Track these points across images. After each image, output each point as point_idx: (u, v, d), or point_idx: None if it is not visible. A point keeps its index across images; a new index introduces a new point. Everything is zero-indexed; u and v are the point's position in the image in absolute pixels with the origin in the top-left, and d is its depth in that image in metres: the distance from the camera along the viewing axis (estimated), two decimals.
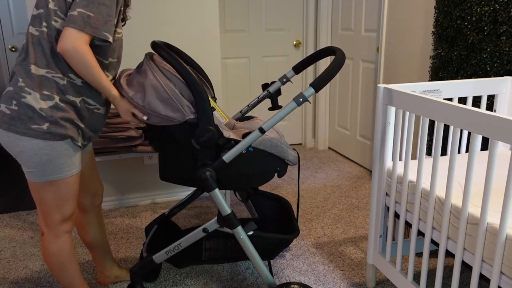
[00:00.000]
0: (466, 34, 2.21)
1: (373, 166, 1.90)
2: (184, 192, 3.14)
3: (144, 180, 3.02)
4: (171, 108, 1.56)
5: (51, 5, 1.44)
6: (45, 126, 1.46)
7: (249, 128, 1.96)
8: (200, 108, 1.57)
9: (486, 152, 2.01)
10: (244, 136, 1.67)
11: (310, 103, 2.40)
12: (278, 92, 2.09)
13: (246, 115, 2.17)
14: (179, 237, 1.82)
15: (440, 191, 1.58)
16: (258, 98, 2.11)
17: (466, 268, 2.11)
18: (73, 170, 1.58)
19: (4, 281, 2.16)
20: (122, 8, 1.58)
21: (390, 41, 3.08)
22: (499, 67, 2.08)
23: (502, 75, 2.09)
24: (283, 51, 4.08)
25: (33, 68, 1.46)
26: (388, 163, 1.85)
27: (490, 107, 2.15)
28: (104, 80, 1.50)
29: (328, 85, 4.12)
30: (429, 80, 2.65)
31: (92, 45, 1.49)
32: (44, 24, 1.46)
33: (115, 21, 1.52)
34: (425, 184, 1.66)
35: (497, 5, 2.04)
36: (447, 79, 2.37)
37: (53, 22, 1.45)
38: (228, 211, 1.69)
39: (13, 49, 4.34)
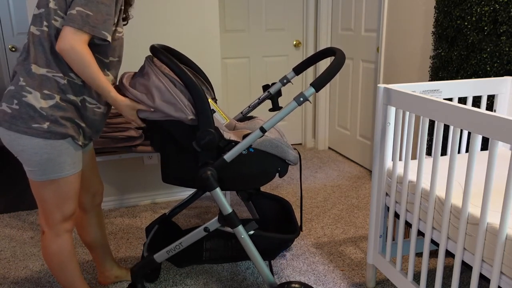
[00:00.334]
0: (466, 34, 2.21)
1: (373, 166, 1.90)
2: (184, 192, 3.14)
3: (144, 180, 3.02)
4: (174, 108, 1.57)
5: (52, 4, 1.44)
6: (45, 125, 1.46)
7: (250, 128, 1.96)
8: (200, 110, 1.58)
9: (486, 152, 2.01)
10: (245, 137, 1.68)
11: (310, 102, 2.41)
12: (278, 93, 2.09)
13: (247, 115, 2.18)
14: (180, 237, 1.82)
15: (440, 191, 1.58)
16: (258, 99, 2.11)
17: (466, 268, 2.11)
18: (74, 169, 1.58)
19: (4, 281, 2.16)
20: (123, 7, 1.58)
21: (390, 41, 3.09)
22: (499, 67, 2.08)
23: (502, 75, 2.09)
24: (283, 51, 4.08)
25: (34, 68, 1.47)
26: (388, 163, 1.85)
27: (490, 107, 2.15)
28: (103, 81, 1.49)
29: (328, 85, 4.12)
30: (429, 80, 2.65)
31: (92, 44, 1.49)
32: (45, 23, 1.46)
33: (115, 20, 1.52)
34: (425, 184, 1.66)
35: (497, 5, 2.04)
36: (447, 79, 2.37)
37: (53, 22, 1.45)
38: (229, 210, 1.69)
39: (13, 49, 4.34)
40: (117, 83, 1.73)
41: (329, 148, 4.28)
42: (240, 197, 2.28)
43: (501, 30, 2.04)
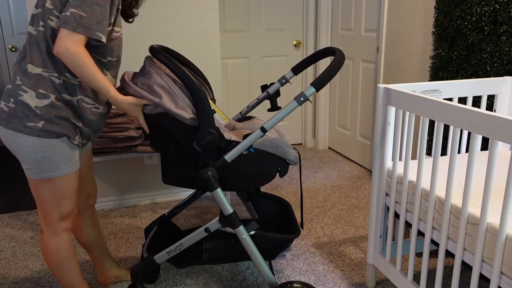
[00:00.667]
0: (466, 34, 2.21)
1: (373, 166, 1.90)
2: (184, 192, 3.14)
3: (144, 180, 3.02)
4: (175, 105, 1.58)
5: (48, 4, 1.45)
6: (40, 124, 1.47)
7: (249, 129, 1.96)
8: (201, 110, 1.58)
9: (486, 152, 2.01)
10: (245, 137, 1.68)
11: (311, 102, 2.40)
12: (277, 93, 2.09)
13: (246, 115, 2.18)
14: (179, 238, 1.82)
15: (440, 191, 1.58)
16: (257, 99, 2.11)
17: (466, 268, 2.11)
18: (70, 168, 1.58)
19: (4, 281, 2.16)
20: (120, 7, 1.58)
21: (390, 41, 3.08)
22: (499, 67, 2.08)
23: (502, 75, 2.09)
24: (283, 51, 4.08)
25: (30, 67, 1.48)
26: (388, 163, 1.85)
27: (490, 107, 2.15)
28: (102, 81, 1.48)
29: (328, 85, 4.12)
30: (429, 80, 2.65)
31: (89, 44, 1.49)
32: (41, 23, 1.47)
33: (112, 20, 1.51)
34: (425, 184, 1.66)
35: (497, 5, 2.04)
36: (447, 79, 2.37)
37: (49, 21, 1.46)
38: (230, 210, 1.69)
39: (13, 49, 4.34)
40: (118, 83, 1.72)
41: (329, 148, 4.28)
42: (240, 197, 2.28)
43: (501, 30, 2.04)
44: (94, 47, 1.51)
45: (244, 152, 1.67)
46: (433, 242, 1.62)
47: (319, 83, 1.55)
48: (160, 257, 1.83)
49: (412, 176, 1.73)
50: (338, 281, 2.12)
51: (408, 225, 1.77)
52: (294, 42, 4.07)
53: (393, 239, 2.23)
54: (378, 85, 1.80)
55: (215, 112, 1.79)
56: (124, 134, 2.49)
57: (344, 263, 2.27)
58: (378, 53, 3.28)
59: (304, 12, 4.00)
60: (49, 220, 1.62)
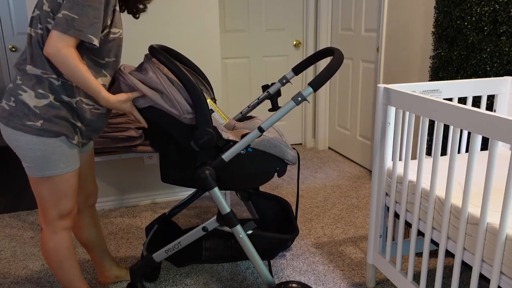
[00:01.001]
0: (466, 34, 2.21)
1: (373, 166, 1.90)
2: (184, 192, 3.14)
3: (144, 180, 3.02)
4: (169, 103, 1.59)
5: (45, 7, 1.46)
6: (39, 123, 1.49)
7: (249, 128, 1.96)
8: (198, 110, 1.58)
9: (486, 152, 2.01)
10: (244, 137, 1.68)
11: (308, 102, 2.41)
12: (278, 93, 2.09)
13: (246, 115, 2.18)
14: (179, 237, 1.82)
15: (440, 191, 1.58)
16: (258, 99, 2.11)
17: (466, 268, 2.11)
18: (69, 167, 1.59)
19: (4, 281, 2.16)
20: (117, 7, 1.57)
21: (390, 41, 3.09)
22: (499, 67, 2.08)
23: (502, 75, 2.09)
24: (283, 51, 4.08)
25: (29, 68, 1.50)
26: (388, 163, 1.85)
27: (490, 107, 2.15)
28: (92, 82, 1.49)
29: (328, 85, 4.12)
30: (429, 80, 2.65)
31: (85, 46, 1.49)
32: (40, 26, 1.48)
33: (109, 22, 1.51)
34: (425, 184, 1.66)
35: (497, 5, 2.04)
36: (447, 79, 2.37)
37: (46, 24, 1.47)
38: (228, 209, 1.70)
39: (13, 49, 4.34)
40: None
41: (329, 148, 4.28)
42: (239, 197, 2.28)
43: (501, 30, 2.04)
44: (90, 49, 1.52)
45: (242, 151, 1.67)
46: (433, 242, 1.62)
47: (316, 83, 1.55)
48: (159, 255, 1.83)
49: (412, 176, 1.73)
50: (338, 281, 2.12)
51: (408, 225, 1.77)
52: (294, 42, 4.07)
53: (393, 239, 2.23)
54: (378, 85, 1.80)
55: (214, 111, 1.79)
56: (124, 134, 2.49)
57: (344, 263, 2.27)
58: (378, 53, 3.28)
59: (304, 12, 4.00)
60: (49, 218, 1.63)
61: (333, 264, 2.26)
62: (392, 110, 1.78)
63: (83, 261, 2.32)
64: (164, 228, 2.11)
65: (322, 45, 3.99)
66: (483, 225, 1.34)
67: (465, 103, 2.21)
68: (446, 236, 1.52)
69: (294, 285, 1.76)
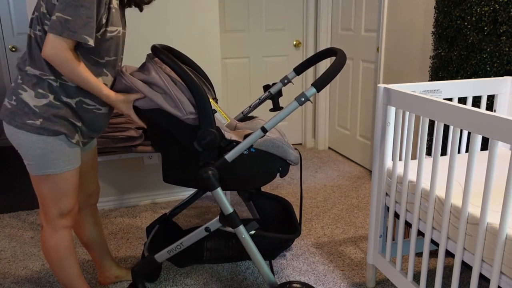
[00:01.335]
0: (466, 34, 2.21)
1: (373, 166, 1.90)
2: (185, 192, 3.14)
3: (144, 180, 3.02)
4: (173, 104, 1.59)
5: (43, 8, 1.46)
6: (38, 122, 1.50)
7: (250, 128, 1.96)
8: (201, 110, 1.58)
9: (486, 152, 2.01)
10: (246, 137, 1.68)
11: (312, 102, 2.41)
12: (279, 93, 2.09)
13: (248, 115, 2.18)
14: (180, 237, 1.82)
15: (440, 191, 1.58)
16: (259, 99, 2.11)
17: (466, 268, 2.11)
18: (69, 166, 1.60)
19: (4, 281, 2.16)
20: (113, 5, 1.56)
21: (390, 41, 3.09)
22: (499, 67, 2.08)
23: (502, 75, 2.09)
24: (283, 51, 4.08)
25: (29, 69, 1.52)
26: (388, 163, 1.85)
27: (490, 107, 2.15)
28: (93, 82, 1.51)
29: (328, 85, 4.12)
30: (429, 80, 2.65)
31: (83, 46, 1.49)
32: (38, 27, 1.49)
33: (104, 20, 1.51)
34: (425, 184, 1.66)
35: (497, 5, 2.04)
36: (447, 79, 2.37)
37: (44, 26, 1.47)
38: (230, 210, 1.70)
39: (13, 49, 4.34)
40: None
41: (329, 148, 4.28)
42: (241, 197, 2.28)
43: (501, 30, 2.04)
44: (88, 49, 1.52)
45: (245, 152, 1.67)
46: (433, 242, 1.62)
47: (320, 84, 1.55)
48: (161, 256, 1.83)
49: (412, 176, 1.73)
50: (338, 281, 2.12)
51: (408, 225, 1.77)
52: (294, 42, 4.07)
53: (393, 239, 2.23)
54: (378, 85, 1.80)
55: (216, 111, 1.79)
56: (124, 134, 2.49)
57: (344, 263, 2.27)
58: (378, 53, 3.28)
59: (304, 12, 4.00)
60: (49, 216, 1.64)
61: (333, 264, 2.27)
62: (392, 110, 1.78)
63: (83, 261, 2.32)
64: (165, 229, 2.11)
65: (322, 45, 3.99)
66: (483, 225, 1.34)
67: (465, 103, 2.21)
68: (446, 236, 1.52)
69: (296, 285, 1.76)
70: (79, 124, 1.59)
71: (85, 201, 1.88)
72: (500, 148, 2.07)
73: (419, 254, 2.27)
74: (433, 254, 2.30)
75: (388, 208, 1.89)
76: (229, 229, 1.75)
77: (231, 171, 1.70)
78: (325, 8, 3.90)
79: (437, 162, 1.53)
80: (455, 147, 1.45)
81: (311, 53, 4.07)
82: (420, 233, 1.69)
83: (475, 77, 2.19)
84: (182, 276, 2.17)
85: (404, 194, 1.73)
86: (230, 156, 1.64)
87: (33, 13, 1.51)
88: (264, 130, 1.61)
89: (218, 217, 1.74)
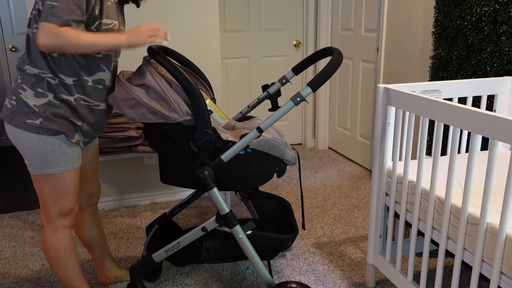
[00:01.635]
0: (466, 34, 2.21)
1: (373, 166, 1.90)
2: (184, 192, 3.14)
3: (144, 180, 3.02)
4: (168, 107, 1.59)
5: (38, 6, 1.47)
6: (38, 121, 1.51)
7: (248, 128, 1.96)
8: (197, 111, 1.59)
9: (486, 152, 2.01)
10: (243, 137, 1.68)
11: (307, 102, 2.41)
12: (278, 93, 2.09)
13: (246, 115, 2.18)
14: (180, 237, 1.82)
15: (440, 191, 1.58)
16: (258, 99, 2.11)
17: (466, 268, 2.11)
18: (69, 166, 1.60)
19: (4, 281, 2.16)
20: None
21: (390, 41, 3.09)
22: (499, 67, 2.08)
23: (502, 75, 2.09)
24: (283, 51, 4.08)
25: (28, 68, 1.52)
26: (388, 163, 1.85)
27: (490, 107, 2.15)
28: (101, 40, 1.44)
29: (328, 85, 4.12)
30: (429, 80, 2.65)
31: None
32: (35, 25, 1.49)
33: (97, 12, 1.49)
34: (425, 184, 1.66)
35: (497, 5, 2.04)
36: (447, 79, 2.37)
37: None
38: (227, 210, 1.70)
39: (13, 49, 4.34)
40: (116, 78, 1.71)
41: (329, 148, 4.28)
42: (239, 197, 2.28)
43: (501, 30, 2.04)
44: None
45: (241, 152, 1.67)
46: (433, 242, 1.62)
47: (315, 84, 1.55)
48: (158, 255, 1.83)
49: (412, 176, 1.73)
50: (338, 281, 2.12)
51: (408, 225, 1.77)
52: (294, 42, 4.07)
53: (393, 239, 2.23)
54: (378, 85, 1.80)
55: (213, 112, 1.79)
56: (124, 134, 2.49)
57: (344, 263, 2.27)
58: (378, 53, 3.28)
59: (304, 12, 4.00)
60: (49, 216, 1.65)
61: (333, 264, 2.26)
62: (392, 110, 1.78)
63: (83, 261, 2.32)
64: (164, 228, 2.11)
65: (322, 45, 3.99)
66: (483, 225, 1.34)
67: (465, 103, 2.21)
68: (446, 236, 1.52)
69: (293, 285, 1.76)
70: (79, 123, 1.60)
71: (86, 201, 1.89)
72: (500, 148, 2.07)
73: (419, 254, 2.27)
74: (433, 254, 2.30)
75: (388, 208, 1.89)
76: (226, 229, 1.75)
77: (228, 171, 1.70)
78: (325, 8, 3.89)
79: (437, 162, 1.53)
80: (455, 147, 1.45)
81: (311, 53, 4.07)
82: (420, 233, 1.69)
83: (475, 77, 2.19)
84: (182, 276, 2.17)
85: (404, 194, 1.73)
86: (226, 156, 1.65)
87: (31, 13, 1.52)
88: (260, 130, 1.61)
89: (214, 217, 1.74)
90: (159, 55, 1.58)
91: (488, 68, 2.12)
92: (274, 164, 1.74)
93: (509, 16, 2.01)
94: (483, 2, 2.09)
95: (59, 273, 1.73)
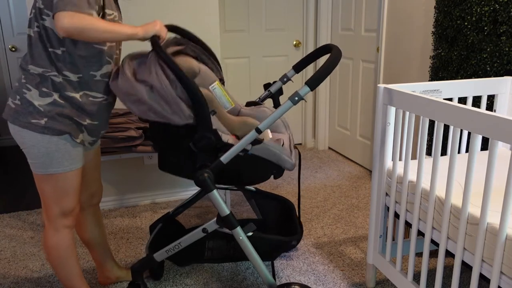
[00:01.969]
0: (466, 34, 2.21)
1: (373, 166, 1.90)
2: (185, 192, 3.14)
3: (144, 180, 3.02)
4: (170, 110, 1.55)
5: (39, 4, 1.47)
6: (43, 121, 1.51)
7: (254, 115, 1.95)
8: (198, 113, 1.56)
9: (486, 152, 2.01)
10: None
11: (306, 101, 2.41)
12: (279, 91, 2.09)
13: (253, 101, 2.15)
14: (182, 237, 1.82)
15: (440, 191, 1.58)
16: (259, 98, 2.11)
17: (466, 268, 2.11)
18: (72, 166, 1.61)
19: (4, 281, 2.16)
20: None
21: (390, 41, 3.09)
22: (499, 67, 2.08)
23: (502, 75, 2.09)
24: (283, 51, 4.08)
25: (31, 68, 1.52)
26: (388, 163, 1.85)
27: (490, 107, 2.15)
28: (119, 28, 1.44)
29: (328, 85, 4.12)
30: (429, 80, 2.65)
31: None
32: (36, 24, 1.49)
33: (101, 2, 1.50)
34: (425, 184, 1.66)
35: (497, 5, 2.04)
36: (447, 79, 2.37)
37: (42, 21, 1.47)
38: (227, 211, 1.69)
39: (13, 49, 4.34)
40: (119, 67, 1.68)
41: (329, 148, 4.28)
42: (244, 196, 2.28)
43: (501, 30, 2.04)
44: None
45: (241, 153, 1.67)
46: (433, 242, 1.62)
47: (313, 82, 1.54)
48: (159, 255, 1.83)
49: (412, 176, 1.73)
50: (338, 281, 2.12)
51: (408, 225, 1.77)
52: (294, 42, 4.07)
53: (393, 239, 2.23)
54: (378, 85, 1.80)
55: (215, 113, 1.78)
56: (124, 134, 2.49)
57: (344, 263, 2.27)
58: (378, 53, 3.28)
59: (304, 12, 4.00)
60: (51, 215, 1.65)
61: (333, 264, 2.26)
62: (392, 110, 1.78)
63: (83, 261, 2.32)
64: (168, 228, 2.11)
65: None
66: (483, 225, 1.34)
67: (465, 103, 2.21)
68: (446, 236, 1.52)
69: (296, 286, 1.76)
70: (85, 122, 1.60)
71: (87, 201, 1.89)
72: (500, 148, 2.07)
73: (419, 254, 2.27)
74: (433, 254, 2.30)
75: (388, 208, 1.89)
76: (227, 230, 1.75)
77: (227, 166, 1.70)
78: (325, 8, 3.89)
79: (437, 162, 1.53)
80: (455, 147, 1.45)
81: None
82: (420, 233, 1.69)
83: (475, 77, 2.19)
84: (182, 276, 2.17)
85: (404, 194, 1.73)
86: (225, 158, 1.64)
87: (30, 13, 1.52)
88: (258, 131, 1.60)
89: (215, 218, 1.74)
90: (164, 53, 1.53)
91: (488, 68, 2.12)
92: (272, 169, 1.75)
93: (509, 16, 2.01)
94: (483, 2, 2.09)
95: (59, 273, 1.73)
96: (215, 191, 1.67)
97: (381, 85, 1.79)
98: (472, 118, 1.36)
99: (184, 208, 2.12)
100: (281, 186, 3.32)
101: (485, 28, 2.11)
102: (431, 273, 2.14)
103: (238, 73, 4.00)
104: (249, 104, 2.06)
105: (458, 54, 2.27)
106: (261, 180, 1.76)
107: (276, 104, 2.10)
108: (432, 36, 2.66)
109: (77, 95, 1.55)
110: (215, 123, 1.67)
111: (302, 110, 4.28)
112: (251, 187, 2.25)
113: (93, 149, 1.83)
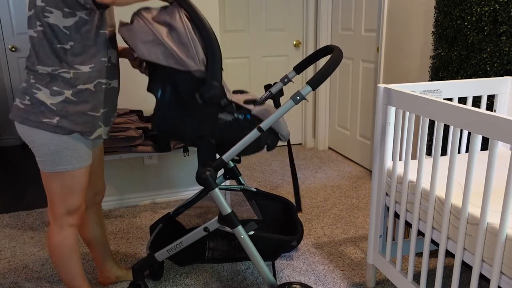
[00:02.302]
0: (466, 34, 2.21)
1: (373, 166, 1.90)
2: (185, 192, 3.14)
3: (144, 180, 3.02)
4: (187, 53, 1.54)
5: (38, 2, 1.45)
6: (55, 120, 1.51)
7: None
8: (211, 62, 1.55)
9: (486, 152, 2.01)
10: (246, 102, 1.66)
11: (307, 101, 2.41)
12: (280, 92, 2.09)
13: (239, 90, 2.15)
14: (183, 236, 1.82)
15: (440, 191, 1.58)
16: (260, 99, 2.11)
17: (466, 268, 2.12)
18: (81, 164, 1.61)
19: (4, 281, 2.16)
20: None
21: (390, 41, 3.09)
22: (499, 67, 2.08)
23: (502, 75, 2.09)
24: (283, 51, 4.08)
25: (39, 68, 1.51)
26: (388, 163, 1.85)
27: (490, 107, 2.15)
28: None
29: (328, 85, 4.12)
30: (429, 80, 2.65)
31: (82, 22, 1.48)
32: (38, 23, 1.47)
33: None
34: (425, 184, 1.66)
35: (497, 5, 2.04)
36: (447, 79, 2.37)
37: (45, 19, 1.46)
38: (229, 210, 1.70)
39: (13, 49, 4.34)
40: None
41: (329, 148, 4.28)
42: (245, 196, 2.28)
43: (501, 30, 2.04)
44: (100, 19, 1.52)
45: (240, 116, 1.66)
46: (433, 242, 1.62)
47: (315, 82, 1.54)
48: (160, 255, 1.83)
49: (412, 176, 1.73)
50: (338, 281, 2.12)
51: (408, 225, 1.77)
52: (294, 42, 4.07)
53: (393, 239, 2.23)
54: (378, 85, 1.80)
55: (223, 70, 1.77)
56: (124, 134, 2.49)
57: (344, 263, 2.27)
58: (378, 53, 3.28)
59: (304, 12, 4.00)
60: (56, 213, 1.65)
61: (333, 264, 2.27)
62: (392, 110, 1.78)
63: (83, 261, 2.32)
64: (168, 228, 2.12)
65: (322, 45, 3.99)
66: (483, 225, 1.34)
67: (465, 103, 2.21)
68: (446, 236, 1.52)
69: (297, 286, 1.76)
70: (99, 113, 1.61)
71: (91, 199, 1.89)
72: (500, 148, 2.07)
73: (419, 254, 2.27)
74: (433, 254, 2.30)
75: (388, 208, 1.89)
76: (228, 229, 1.75)
77: (222, 135, 1.69)
78: (325, 8, 3.90)
79: (437, 162, 1.53)
80: (455, 147, 1.45)
81: (311, 53, 4.06)
82: (420, 233, 1.69)
83: (475, 77, 2.19)
84: (182, 276, 2.18)
85: (404, 194, 1.73)
86: (227, 156, 1.65)
87: (28, 13, 1.50)
88: (261, 130, 1.61)
89: (216, 217, 1.74)
90: (187, 3, 1.53)
91: (488, 68, 2.12)
92: (267, 137, 1.73)
93: (509, 16, 2.01)
94: (483, 2, 2.09)
95: (62, 272, 1.73)
96: (217, 189, 1.67)
97: (381, 85, 1.79)
98: (472, 118, 1.36)
99: (185, 208, 2.13)
100: (281, 186, 3.32)
101: (485, 28, 2.11)
102: (431, 273, 2.14)
103: (238, 73, 4.00)
104: (235, 92, 2.04)
105: (458, 54, 2.27)
106: (255, 150, 1.74)
107: (277, 105, 2.10)
108: (432, 36, 2.66)
109: (90, 86, 1.56)
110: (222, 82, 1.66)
111: (302, 110, 4.28)
112: (252, 188, 2.25)
113: (98, 146, 1.83)
